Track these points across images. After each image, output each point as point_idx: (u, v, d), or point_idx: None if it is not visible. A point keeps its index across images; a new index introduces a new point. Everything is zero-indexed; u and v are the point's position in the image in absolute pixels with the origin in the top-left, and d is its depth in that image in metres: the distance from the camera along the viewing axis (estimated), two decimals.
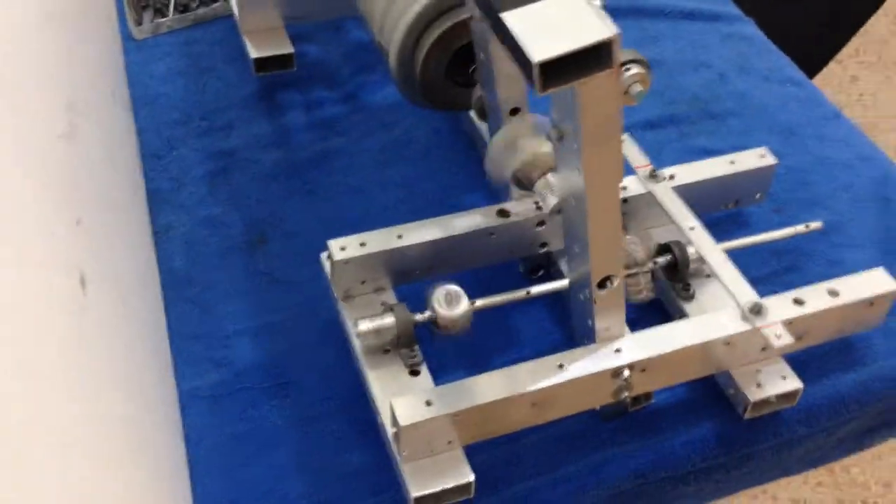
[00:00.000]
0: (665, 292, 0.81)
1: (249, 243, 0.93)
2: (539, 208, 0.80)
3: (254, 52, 1.02)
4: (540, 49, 0.52)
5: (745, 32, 1.14)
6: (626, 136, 0.85)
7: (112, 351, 0.69)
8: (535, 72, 0.52)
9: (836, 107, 1.04)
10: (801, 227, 0.83)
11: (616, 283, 0.67)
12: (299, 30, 1.11)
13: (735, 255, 0.79)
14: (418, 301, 0.75)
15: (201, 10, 1.19)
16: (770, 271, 0.86)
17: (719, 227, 0.84)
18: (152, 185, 1.00)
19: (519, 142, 0.72)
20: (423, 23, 0.82)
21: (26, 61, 0.69)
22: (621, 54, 0.54)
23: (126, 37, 1.17)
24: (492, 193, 0.96)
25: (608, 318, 0.69)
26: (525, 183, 0.74)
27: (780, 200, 0.92)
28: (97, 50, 1.02)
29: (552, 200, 0.71)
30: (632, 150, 0.85)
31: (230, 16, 1.18)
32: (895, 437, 0.86)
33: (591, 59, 0.53)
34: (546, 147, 0.72)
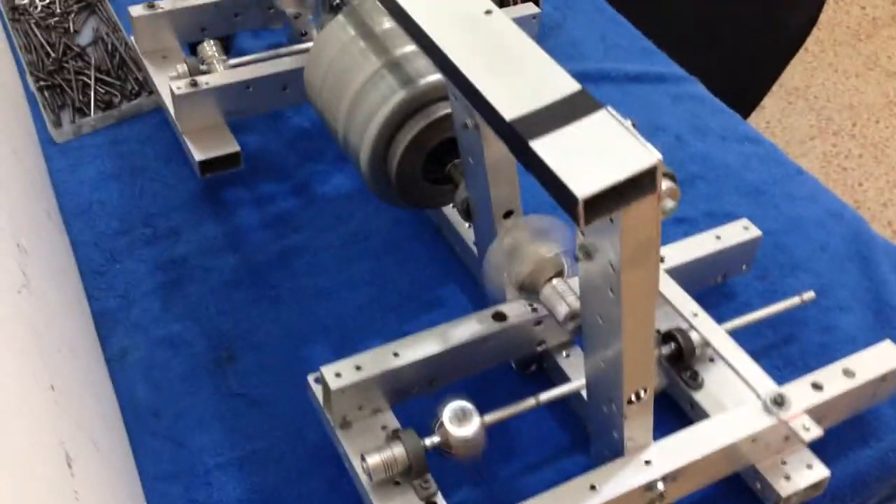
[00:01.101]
0: (671, 381, 0.78)
1: (216, 362, 0.86)
2: (535, 309, 0.76)
3: (198, 155, 0.95)
4: (582, 183, 0.48)
5: (693, 92, 1.13)
6: None
7: None
8: (580, 207, 0.48)
9: (797, 164, 1.04)
10: (795, 300, 0.82)
11: (648, 394, 0.64)
12: (235, 120, 1.05)
13: (731, 331, 0.78)
14: (415, 416, 0.70)
15: (125, 106, 1.11)
16: (767, 343, 0.84)
17: (707, 302, 0.81)
18: (98, 306, 0.91)
19: (522, 248, 0.68)
20: (396, 123, 0.77)
21: None
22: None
23: (46, 141, 1.08)
24: (465, 285, 0.92)
25: (636, 428, 0.66)
26: (529, 290, 0.70)
27: (762, 267, 0.91)
28: (21, 164, 0.94)
29: (563, 309, 0.67)
30: None
31: (157, 109, 1.10)
32: None
33: (635, 186, 0.50)
34: (550, 252, 0.68)
